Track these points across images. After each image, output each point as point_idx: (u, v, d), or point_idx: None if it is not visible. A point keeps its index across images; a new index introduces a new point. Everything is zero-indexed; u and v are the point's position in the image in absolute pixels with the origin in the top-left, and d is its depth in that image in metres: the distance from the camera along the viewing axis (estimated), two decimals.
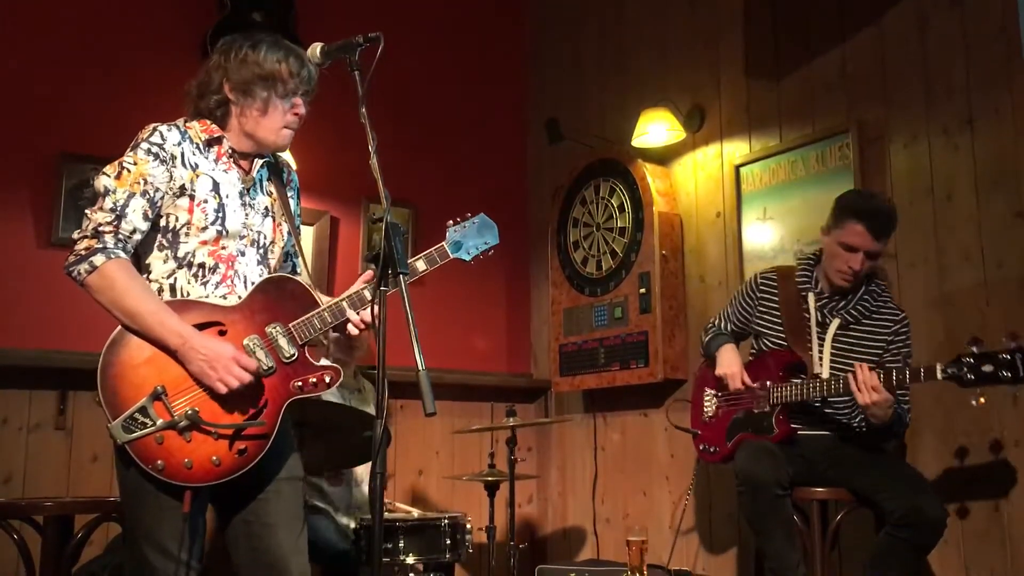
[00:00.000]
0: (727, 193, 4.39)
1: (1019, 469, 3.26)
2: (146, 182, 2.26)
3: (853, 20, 3.94)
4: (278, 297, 2.36)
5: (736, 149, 4.39)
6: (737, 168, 4.33)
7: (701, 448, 3.48)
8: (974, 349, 2.76)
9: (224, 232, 2.34)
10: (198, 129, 2.39)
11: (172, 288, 2.30)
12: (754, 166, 4.27)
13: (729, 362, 3.35)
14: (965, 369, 2.74)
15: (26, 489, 3.86)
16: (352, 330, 2.40)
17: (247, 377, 2.22)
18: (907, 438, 3.52)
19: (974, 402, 2.75)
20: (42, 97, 4.17)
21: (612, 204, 4.82)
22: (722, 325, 3.56)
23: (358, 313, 2.39)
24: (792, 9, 4.22)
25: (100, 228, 2.23)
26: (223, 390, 2.20)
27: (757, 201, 4.24)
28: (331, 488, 3.78)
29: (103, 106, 4.25)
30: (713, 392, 3.47)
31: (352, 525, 3.58)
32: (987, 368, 2.71)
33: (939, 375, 2.79)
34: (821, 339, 3.23)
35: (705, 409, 3.49)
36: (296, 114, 2.43)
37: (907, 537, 2.88)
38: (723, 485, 4.18)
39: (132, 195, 2.25)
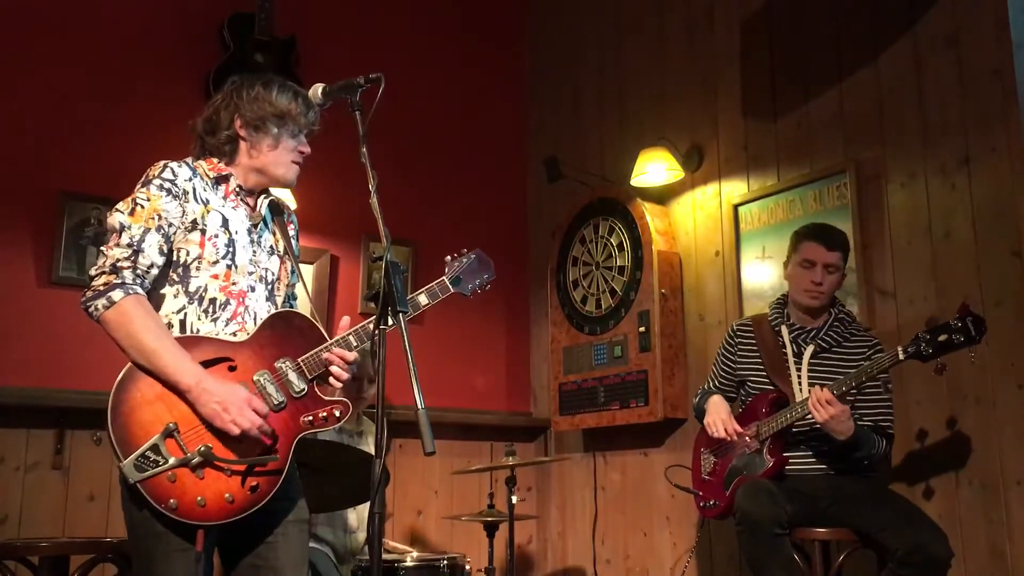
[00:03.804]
0: (726, 232, 4.41)
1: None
2: (160, 217, 2.28)
3: (849, 61, 3.98)
4: (286, 332, 2.37)
5: (734, 188, 4.41)
6: (736, 207, 4.35)
7: (702, 506, 3.50)
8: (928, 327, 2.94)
9: (234, 267, 2.36)
10: (205, 168, 2.43)
11: (181, 324, 2.30)
12: (752, 205, 4.29)
13: (715, 411, 3.42)
14: (923, 344, 2.91)
15: (22, 529, 3.83)
16: (334, 382, 2.39)
17: (259, 421, 2.22)
18: None
19: (938, 375, 2.95)
20: (43, 136, 4.20)
21: (611, 243, 4.83)
22: (709, 385, 3.63)
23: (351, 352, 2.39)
24: (789, 50, 4.26)
25: (118, 264, 2.22)
26: (235, 432, 2.19)
27: (756, 240, 4.26)
28: (325, 532, 3.74)
29: (104, 145, 4.28)
30: (709, 451, 3.51)
31: (349, 569, 3.55)
32: (942, 337, 2.88)
33: (901, 356, 2.94)
34: (798, 367, 3.31)
35: (703, 468, 3.52)
36: (302, 151, 2.48)
37: None
38: (724, 527, 4.15)
39: (147, 230, 2.26)
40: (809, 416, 3.10)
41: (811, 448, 3.26)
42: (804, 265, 3.32)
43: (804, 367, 3.30)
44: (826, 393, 3.00)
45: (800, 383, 3.28)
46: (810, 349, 3.31)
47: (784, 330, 3.39)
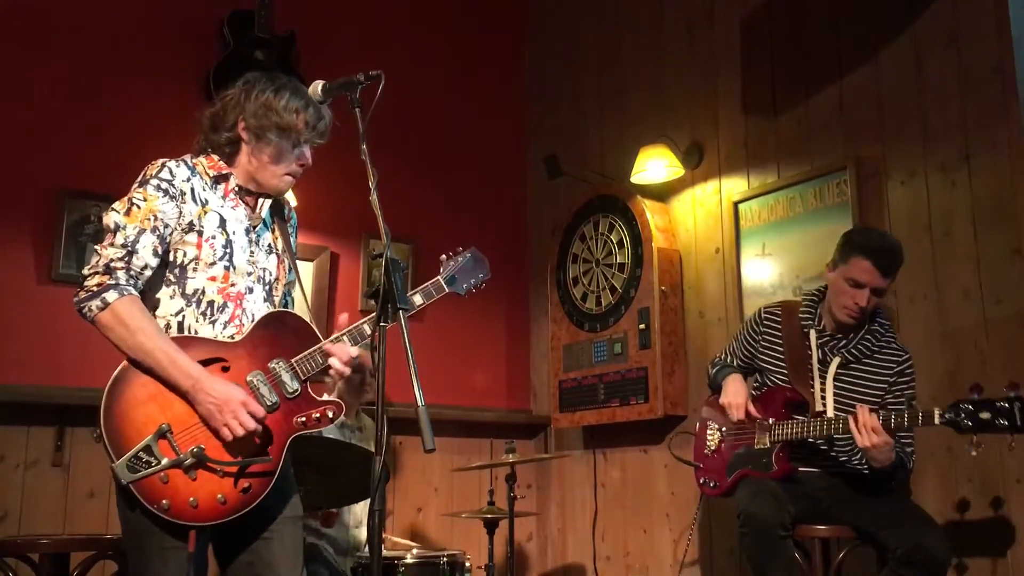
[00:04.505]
0: (726, 229, 4.41)
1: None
2: (156, 218, 2.27)
3: (849, 58, 3.97)
4: (279, 332, 2.36)
5: (735, 186, 4.41)
6: (736, 204, 4.34)
7: (702, 481, 3.44)
8: (974, 396, 2.74)
9: (231, 268, 2.35)
10: (206, 165, 2.41)
11: (180, 326, 2.30)
12: (752, 202, 4.29)
13: (734, 392, 3.33)
14: (963, 415, 2.72)
15: (22, 526, 3.84)
16: (334, 375, 2.38)
17: (252, 424, 2.22)
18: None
19: (971, 450, 2.72)
20: (43, 133, 4.20)
21: (611, 240, 4.83)
22: (727, 360, 3.55)
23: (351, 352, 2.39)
24: (789, 47, 4.26)
25: (112, 264, 2.22)
26: (229, 436, 2.19)
27: (756, 237, 4.26)
28: (326, 529, 3.74)
29: (104, 143, 4.27)
30: (716, 426, 3.45)
31: (349, 565, 3.55)
32: (985, 415, 2.69)
33: (937, 420, 2.77)
34: (823, 377, 3.20)
35: (708, 442, 3.46)
36: (302, 164, 2.46)
37: (911, 575, 2.85)
38: (724, 522, 4.16)
39: (142, 231, 2.25)
40: (832, 437, 3.04)
41: (818, 454, 3.22)
42: (851, 283, 3.09)
43: (829, 379, 3.17)
44: (874, 420, 2.84)
45: (824, 395, 3.17)
46: (836, 361, 3.18)
47: (812, 335, 3.25)
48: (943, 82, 3.63)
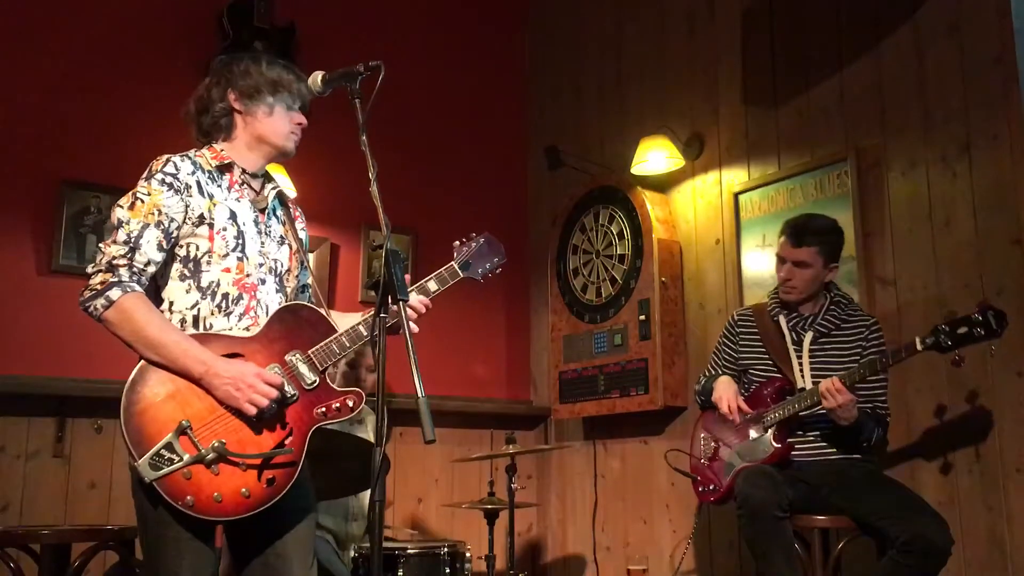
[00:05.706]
0: (726, 220, 4.40)
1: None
2: (160, 212, 2.26)
3: (850, 48, 3.96)
4: (295, 325, 2.35)
5: (735, 177, 4.41)
6: (736, 195, 4.34)
7: (700, 491, 3.51)
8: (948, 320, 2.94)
9: (245, 259, 2.35)
10: (208, 157, 2.40)
11: (195, 320, 2.29)
12: (753, 193, 4.29)
13: (725, 388, 3.45)
14: (942, 336, 2.92)
15: (23, 517, 3.85)
16: (420, 308, 2.45)
17: (274, 393, 2.21)
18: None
19: (955, 364, 2.93)
20: (44, 125, 4.20)
21: (612, 231, 4.83)
22: (714, 371, 3.64)
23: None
24: (789, 37, 4.25)
25: (114, 261, 2.21)
26: (252, 411, 2.19)
27: (756, 228, 4.25)
28: (326, 519, 3.75)
29: (104, 134, 4.28)
30: (709, 436, 3.52)
31: (352, 555, 3.56)
32: (962, 330, 2.90)
33: (919, 347, 2.95)
34: (799, 354, 3.34)
35: (703, 452, 3.54)
36: (299, 124, 2.47)
37: (911, 564, 2.85)
38: (723, 514, 4.16)
39: (146, 226, 2.24)
40: (817, 406, 3.11)
41: (813, 434, 3.27)
42: (778, 260, 3.38)
43: (805, 354, 3.32)
44: (837, 382, 3.04)
45: (802, 371, 3.30)
46: (809, 336, 3.33)
47: (782, 319, 3.42)
48: (944, 72, 3.62)
